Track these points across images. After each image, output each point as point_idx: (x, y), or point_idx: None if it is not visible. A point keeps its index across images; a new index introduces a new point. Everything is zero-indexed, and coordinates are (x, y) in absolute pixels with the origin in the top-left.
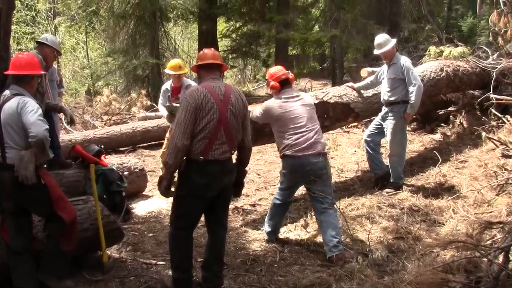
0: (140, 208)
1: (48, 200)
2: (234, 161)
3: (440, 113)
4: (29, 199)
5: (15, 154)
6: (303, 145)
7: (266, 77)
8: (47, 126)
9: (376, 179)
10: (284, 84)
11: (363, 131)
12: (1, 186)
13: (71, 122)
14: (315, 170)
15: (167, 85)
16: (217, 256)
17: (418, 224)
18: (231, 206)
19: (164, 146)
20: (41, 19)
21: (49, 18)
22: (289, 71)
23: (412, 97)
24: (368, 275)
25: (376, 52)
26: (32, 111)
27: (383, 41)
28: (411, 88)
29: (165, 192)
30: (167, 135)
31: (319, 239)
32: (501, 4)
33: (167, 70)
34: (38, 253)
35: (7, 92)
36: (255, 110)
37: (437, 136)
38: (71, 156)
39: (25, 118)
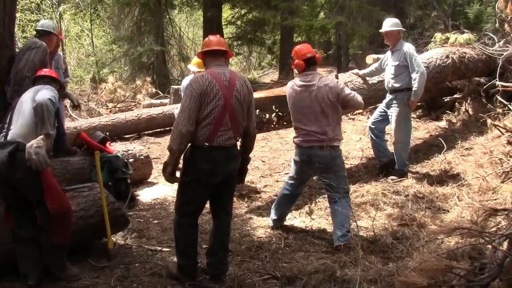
0: (145, 195)
1: (39, 186)
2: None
3: (445, 100)
4: (21, 181)
5: (17, 136)
6: (311, 138)
7: (292, 55)
8: (50, 97)
9: (381, 166)
10: (309, 64)
11: (368, 118)
12: None
13: (77, 106)
14: (323, 161)
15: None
16: (222, 243)
17: (423, 211)
18: (236, 193)
19: None
20: (46, 6)
21: (54, 6)
22: (316, 49)
23: (415, 84)
24: (372, 261)
25: (381, 30)
26: (47, 90)
27: (391, 23)
28: (414, 75)
29: (169, 178)
30: None
31: (324, 226)
32: None
33: (191, 67)
34: None
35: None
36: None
37: (443, 123)
38: (76, 143)
39: (37, 95)
